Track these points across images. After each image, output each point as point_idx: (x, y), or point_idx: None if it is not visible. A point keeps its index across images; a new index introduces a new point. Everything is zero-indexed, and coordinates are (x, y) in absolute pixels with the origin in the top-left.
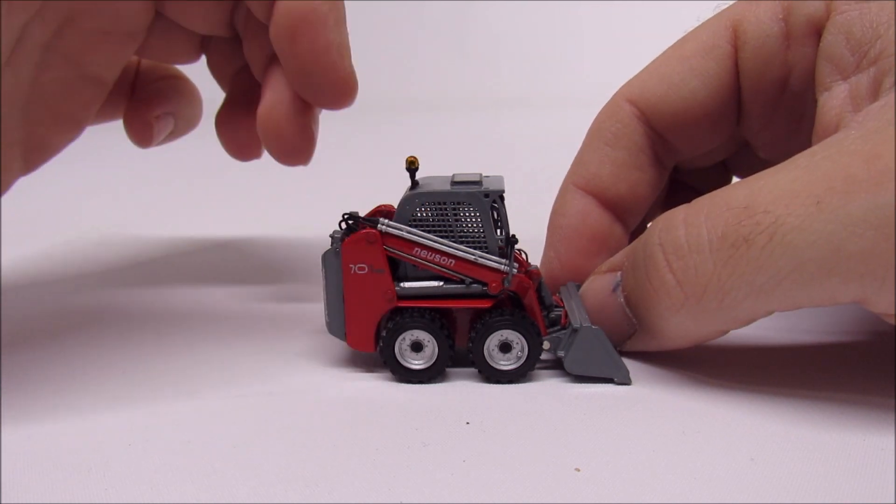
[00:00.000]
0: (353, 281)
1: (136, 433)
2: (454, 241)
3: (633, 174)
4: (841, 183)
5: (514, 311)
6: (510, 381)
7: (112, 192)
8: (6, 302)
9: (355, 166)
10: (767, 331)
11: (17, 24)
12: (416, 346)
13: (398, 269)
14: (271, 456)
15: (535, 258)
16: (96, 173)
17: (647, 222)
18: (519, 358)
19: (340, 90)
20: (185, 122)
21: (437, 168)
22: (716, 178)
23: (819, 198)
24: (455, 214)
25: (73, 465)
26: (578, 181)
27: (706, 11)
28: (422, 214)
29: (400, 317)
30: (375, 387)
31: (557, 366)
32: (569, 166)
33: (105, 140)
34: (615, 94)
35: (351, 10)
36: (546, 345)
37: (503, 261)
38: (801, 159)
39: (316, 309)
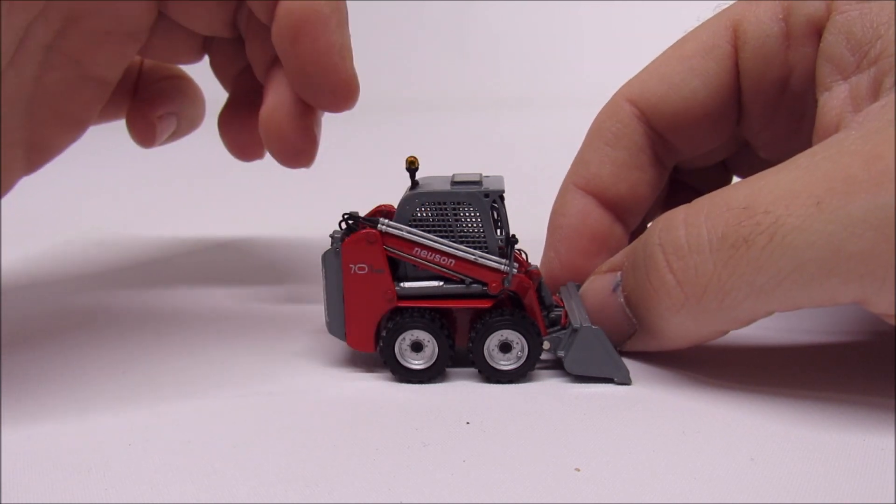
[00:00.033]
0: (353, 281)
1: (136, 433)
2: (454, 241)
3: (634, 174)
4: (841, 183)
5: (514, 311)
6: (510, 381)
7: (112, 192)
8: (6, 302)
9: (355, 166)
10: (767, 331)
11: (19, 24)
12: (416, 346)
13: (398, 269)
14: (271, 456)
15: (535, 258)
16: (97, 173)
17: (648, 222)
18: (519, 358)
19: (341, 92)
20: (187, 122)
21: (437, 168)
22: (716, 178)
23: (819, 198)
24: (455, 214)
25: (73, 465)
26: (579, 181)
27: (706, 11)
28: (422, 214)
29: (400, 317)
30: (375, 387)
31: (557, 366)
32: (569, 166)
33: (105, 140)
34: (615, 94)
35: (351, 10)
36: (546, 345)
37: (503, 261)
38: (802, 159)
39: (316, 309)
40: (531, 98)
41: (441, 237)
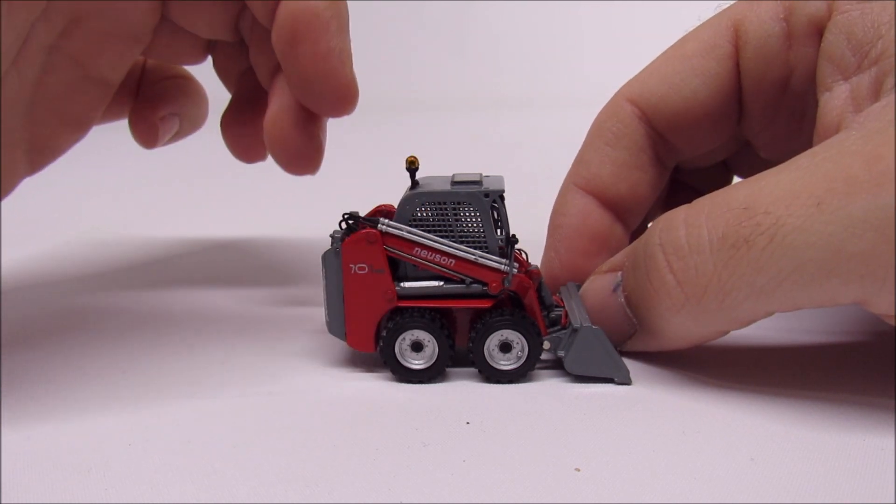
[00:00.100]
0: (354, 281)
1: (136, 433)
2: (454, 241)
3: (634, 174)
4: (842, 184)
5: (515, 311)
6: (510, 381)
7: (113, 192)
8: (6, 302)
9: (355, 166)
10: (767, 331)
11: (22, 24)
12: (417, 346)
13: (398, 269)
14: (271, 456)
15: (535, 258)
16: (97, 173)
17: (648, 222)
18: (519, 358)
19: (341, 97)
20: (190, 123)
21: (437, 168)
22: (717, 178)
23: (820, 199)
24: (455, 214)
25: (73, 465)
26: (579, 181)
27: (707, 11)
28: (422, 214)
29: (400, 317)
30: (375, 387)
31: (557, 366)
32: (569, 166)
33: (106, 140)
34: (616, 94)
35: (351, 10)
36: (546, 345)
37: (503, 261)
38: (802, 160)
39: (316, 309)
40: (531, 98)
41: (441, 237)
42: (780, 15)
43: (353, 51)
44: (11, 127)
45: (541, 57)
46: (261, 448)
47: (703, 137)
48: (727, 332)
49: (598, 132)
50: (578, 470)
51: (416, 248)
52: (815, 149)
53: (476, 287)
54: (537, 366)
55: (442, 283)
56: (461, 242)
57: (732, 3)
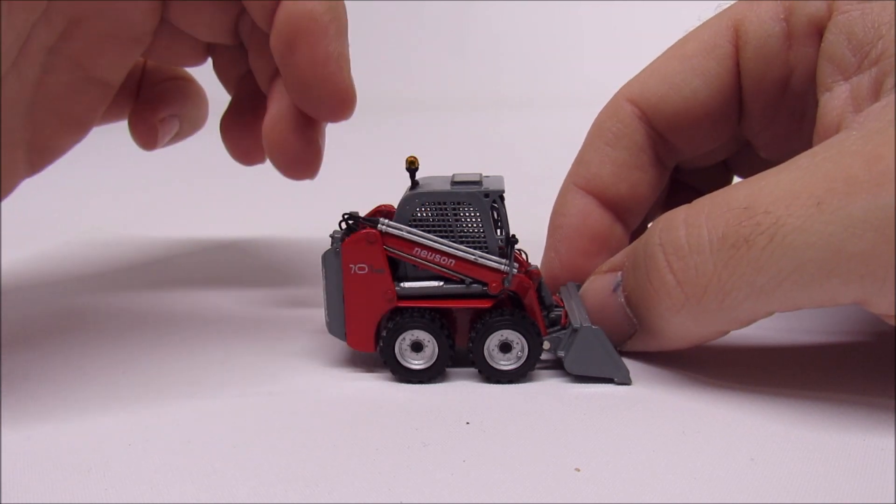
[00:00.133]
0: (354, 281)
1: (136, 433)
2: (454, 241)
3: (634, 174)
4: (842, 184)
5: (514, 311)
6: (510, 381)
7: (112, 192)
8: (6, 302)
9: (355, 166)
10: (768, 331)
11: (22, 26)
12: (416, 346)
13: (398, 269)
14: (271, 456)
15: (535, 258)
16: (98, 173)
17: (648, 222)
18: (519, 358)
19: (338, 102)
20: (190, 124)
21: (437, 168)
22: (717, 177)
23: (820, 199)
24: (455, 214)
25: (73, 465)
26: (579, 181)
27: (707, 11)
28: (422, 214)
29: (400, 317)
30: (375, 387)
31: (557, 366)
32: (569, 166)
33: (106, 140)
34: (616, 94)
35: (351, 9)
36: (546, 345)
37: (503, 261)
38: (802, 160)
39: (316, 309)
40: (531, 98)
41: (441, 237)
42: (781, 15)
43: (353, 51)
44: (12, 127)
45: (541, 57)
46: (261, 448)
47: (704, 137)
48: (727, 332)
49: (598, 132)
50: (578, 470)
51: (416, 249)
52: (815, 149)
53: (476, 287)
54: (537, 366)
55: (442, 283)
56: (461, 242)
57: (732, 3)
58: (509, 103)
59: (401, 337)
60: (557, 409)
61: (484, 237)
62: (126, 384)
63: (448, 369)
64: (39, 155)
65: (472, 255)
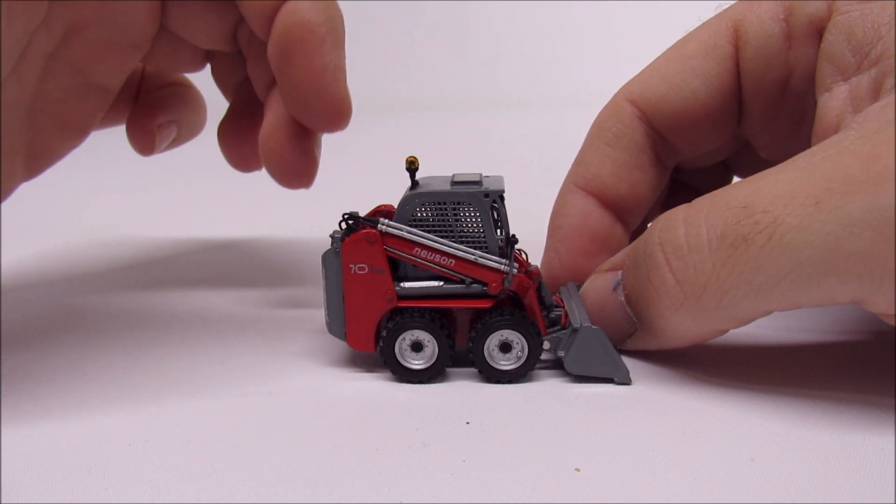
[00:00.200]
0: (354, 281)
1: (136, 433)
2: (454, 241)
3: (634, 174)
4: (840, 184)
5: (514, 311)
6: (510, 381)
7: (112, 192)
8: (6, 302)
9: (355, 166)
10: (766, 330)
11: (22, 32)
12: (416, 346)
13: (398, 269)
14: (271, 456)
15: (535, 258)
16: (98, 174)
17: (648, 222)
18: (519, 358)
19: (333, 114)
20: (188, 130)
21: (437, 168)
22: (717, 177)
23: (818, 198)
24: (455, 214)
25: (73, 465)
26: (579, 181)
27: (707, 11)
28: (422, 214)
29: (400, 317)
30: (375, 387)
31: (557, 366)
32: (569, 166)
33: (107, 140)
34: (616, 94)
35: (351, 9)
36: (546, 345)
37: (503, 261)
38: (801, 160)
39: (316, 309)
40: (531, 98)
41: (441, 237)
42: (780, 15)
43: (353, 51)
44: (11, 131)
45: (540, 57)
46: (261, 448)
47: (703, 138)
48: (726, 331)
49: (598, 132)
50: (578, 470)
51: (416, 249)
52: (814, 148)
53: (476, 287)
54: (537, 366)
55: (442, 283)
56: (461, 242)
57: (732, 3)
58: (509, 103)
59: (401, 337)
60: (557, 409)
61: (484, 237)
62: (126, 384)
63: (448, 369)
64: (37, 159)
65: (472, 255)
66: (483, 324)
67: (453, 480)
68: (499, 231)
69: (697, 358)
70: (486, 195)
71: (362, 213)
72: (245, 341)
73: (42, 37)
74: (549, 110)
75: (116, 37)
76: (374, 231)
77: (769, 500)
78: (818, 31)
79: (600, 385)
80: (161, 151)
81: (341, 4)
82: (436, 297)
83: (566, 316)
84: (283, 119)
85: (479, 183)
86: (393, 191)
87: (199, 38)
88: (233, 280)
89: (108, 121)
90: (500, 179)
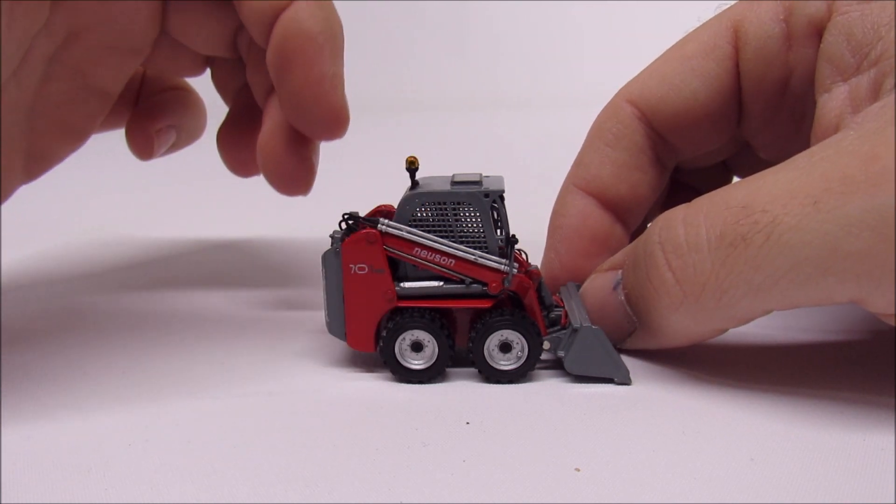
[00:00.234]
0: (353, 281)
1: (136, 433)
2: (454, 241)
3: (634, 175)
4: (838, 184)
5: (514, 311)
6: (510, 381)
7: (112, 192)
8: (6, 302)
9: (355, 166)
10: (766, 329)
11: (23, 36)
12: (416, 346)
13: (398, 269)
14: (271, 456)
15: (535, 258)
16: (98, 174)
17: (648, 223)
18: (519, 358)
19: (330, 122)
20: (187, 135)
21: (437, 168)
22: (717, 178)
23: (816, 198)
24: (455, 214)
25: (73, 465)
26: (579, 182)
27: (707, 12)
28: (422, 214)
29: (400, 317)
30: (375, 387)
31: (557, 366)
32: (569, 167)
33: (106, 140)
34: (616, 95)
35: (352, 9)
36: (546, 345)
37: (503, 261)
38: (800, 160)
39: (316, 309)
40: (531, 98)
41: (441, 237)
42: (780, 16)
43: (353, 51)
44: (10, 134)
45: (540, 57)
46: (261, 448)
47: (703, 138)
48: (726, 330)
49: (597, 133)
50: (578, 470)
51: (416, 249)
52: (813, 149)
53: (476, 287)
54: (537, 366)
55: (442, 283)
56: (461, 242)
57: (732, 3)
58: (508, 103)
59: (401, 337)
60: (557, 409)
61: (484, 237)
62: (126, 384)
63: (448, 369)
64: (37, 162)
65: (472, 255)
66: (483, 324)
67: (453, 480)
68: (499, 231)
69: (697, 358)
70: (486, 195)
71: (362, 213)
72: (245, 341)
73: (43, 40)
74: (549, 110)
75: (117, 41)
76: (374, 231)
77: (769, 500)
78: (818, 31)
79: (600, 385)
80: (160, 156)
81: (342, 4)
82: (436, 297)
83: (566, 316)
84: (281, 126)
85: (479, 183)
86: (393, 191)
87: (199, 43)
88: (233, 280)
89: (108, 124)
90: (500, 179)
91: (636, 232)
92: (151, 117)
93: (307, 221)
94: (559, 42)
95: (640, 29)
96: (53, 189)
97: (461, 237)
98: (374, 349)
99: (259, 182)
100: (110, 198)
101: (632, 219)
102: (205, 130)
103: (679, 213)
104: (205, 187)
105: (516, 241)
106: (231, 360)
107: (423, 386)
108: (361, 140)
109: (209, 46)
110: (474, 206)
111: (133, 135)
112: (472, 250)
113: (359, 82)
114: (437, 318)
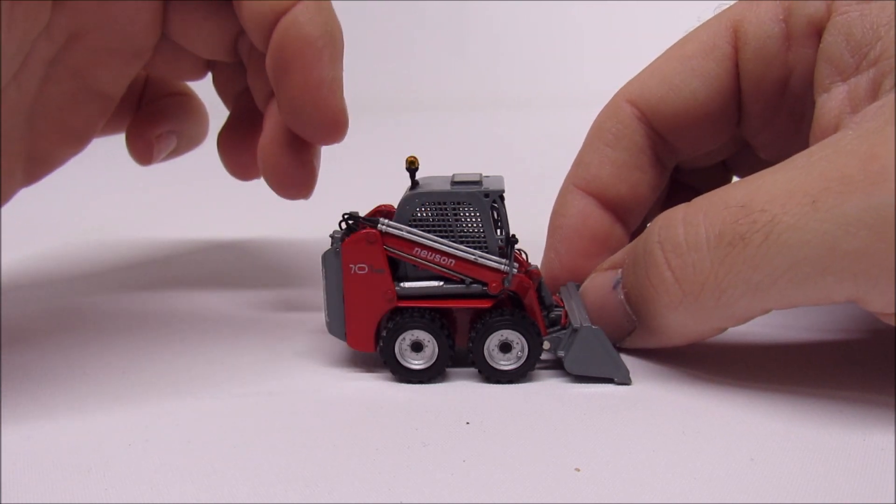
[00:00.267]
0: (354, 281)
1: (136, 433)
2: (454, 241)
3: (634, 175)
4: (837, 183)
5: (514, 311)
6: (510, 381)
7: (112, 193)
8: (6, 302)
9: (355, 166)
10: (766, 329)
11: (24, 39)
12: (416, 346)
13: (398, 269)
14: (271, 456)
15: (535, 258)
16: (98, 174)
17: (648, 222)
18: (519, 358)
19: (329, 127)
20: (188, 141)
21: (437, 168)
22: (716, 178)
23: (815, 197)
24: (455, 214)
25: (73, 465)
26: (579, 182)
27: (706, 12)
28: (422, 214)
29: (400, 317)
30: (375, 387)
31: (557, 366)
32: (569, 167)
33: (106, 141)
34: (615, 95)
35: (352, 9)
36: (546, 345)
37: (503, 261)
38: (799, 159)
39: (316, 309)
40: (531, 98)
41: (441, 237)
42: (780, 16)
43: (354, 51)
44: (11, 137)
45: (540, 57)
46: (261, 448)
47: (703, 138)
48: (725, 329)
49: (597, 133)
50: (578, 470)
51: (416, 249)
52: (812, 148)
53: (476, 287)
54: (537, 366)
55: (442, 283)
56: (461, 242)
57: (732, 3)
58: (508, 103)
59: (401, 337)
60: (557, 409)
61: (484, 237)
62: (126, 384)
63: (448, 369)
64: (37, 165)
65: (472, 255)
66: (483, 324)
67: (453, 480)
68: (499, 231)
69: (697, 357)
70: (486, 195)
71: (362, 213)
72: (245, 341)
73: (44, 43)
74: (549, 110)
75: (118, 44)
76: (374, 231)
77: (769, 500)
78: (817, 31)
79: (600, 385)
80: (160, 161)
81: (341, 4)
82: (436, 297)
83: (566, 316)
84: (282, 130)
85: (479, 183)
86: (393, 191)
87: (200, 47)
88: (233, 280)
89: (109, 128)
90: (500, 179)
91: (636, 232)
92: (152, 122)
93: (307, 221)
94: (559, 42)
95: (640, 29)
96: (53, 190)
97: (461, 237)
98: (374, 349)
99: (259, 182)
100: (110, 198)
101: (632, 219)
102: (206, 136)
103: (678, 212)
104: (205, 188)
105: (516, 241)
106: (231, 360)
107: (423, 386)
108: (361, 140)
109: (210, 50)
110: (474, 206)
111: (133, 139)
112: (472, 250)
113: (359, 82)
114: (437, 318)
